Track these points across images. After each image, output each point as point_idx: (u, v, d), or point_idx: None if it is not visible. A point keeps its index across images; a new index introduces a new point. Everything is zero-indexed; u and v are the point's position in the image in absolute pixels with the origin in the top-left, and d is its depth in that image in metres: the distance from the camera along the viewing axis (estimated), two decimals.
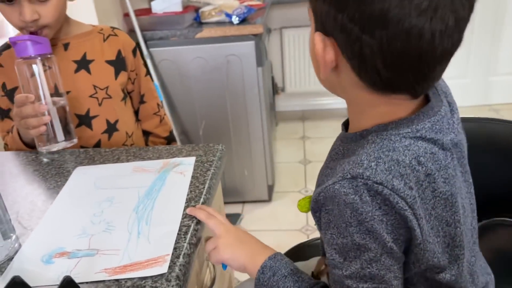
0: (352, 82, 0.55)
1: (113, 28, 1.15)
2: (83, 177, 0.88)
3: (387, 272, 0.54)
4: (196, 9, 2.03)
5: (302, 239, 2.01)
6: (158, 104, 1.24)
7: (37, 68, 0.93)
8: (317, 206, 0.58)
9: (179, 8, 1.91)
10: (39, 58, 0.93)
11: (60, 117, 0.97)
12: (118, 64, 1.12)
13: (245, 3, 2.01)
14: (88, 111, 1.08)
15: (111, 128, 1.11)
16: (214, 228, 0.71)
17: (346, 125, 0.66)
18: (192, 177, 0.84)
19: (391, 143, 0.53)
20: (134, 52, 1.16)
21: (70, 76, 1.05)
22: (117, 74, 1.11)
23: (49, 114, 0.94)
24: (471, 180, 0.63)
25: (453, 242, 0.57)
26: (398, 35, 0.47)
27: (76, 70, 1.07)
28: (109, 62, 1.11)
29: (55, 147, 0.98)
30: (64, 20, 1.05)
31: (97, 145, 1.10)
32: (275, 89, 3.03)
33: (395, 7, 0.46)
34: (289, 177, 2.50)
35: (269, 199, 2.28)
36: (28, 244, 0.70)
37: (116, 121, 1.11)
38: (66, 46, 1.06)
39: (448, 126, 0.56)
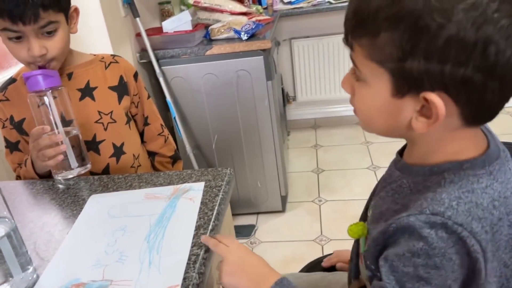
0: (446, 125, 0.55)
1: (114, 55, 1.20)
2: (97, 205, 0.92)
3: None
4: (206, 27, 2.07)
5: (317, 249, 2.03)
6: (161, 125, 1.29)
7: (48, 100, 0.97)
8: (384, 238, 0.58)
9: (189, 27, 1.95)
10: (50, 91, 0.97)
11: (74, 145, 1.01)
12: (121, 89, 1.16)
13: (253, 19, 2.04)
14: (94, 137, 1.12)
15: (118, 151, 1.15)
16: (221, 254, 0.73)
17: (400, 153, 0.67)
18: (201, 203, 0.87)
19: (469, 184, 0.54)
20: (135, 77, 1.21)
21: (75, 104, 1.09)
22: (120, 99, 1.16)
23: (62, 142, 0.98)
24: None
25: (508, 283, 0.58)
26: None
27: (81, 98, 1.11)
28: (112, 88, 1.15)
29: (70, 174, 1.02)
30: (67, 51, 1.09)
31: (106, 169, 1.14)
32: (287, 99, 3.06)
33: None
34: (302, 187, 2.51)
35: (283, 210, 2.30)
36: (45, 276, 0.73)
37: (122, 144, 1.16)
38: (70, 75, 1.11)
39: (509, 171, 0.58)
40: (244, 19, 2.01)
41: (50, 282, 0.72)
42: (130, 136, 1.20)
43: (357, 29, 0.55)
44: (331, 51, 2.92)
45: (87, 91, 1.12)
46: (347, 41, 0.58)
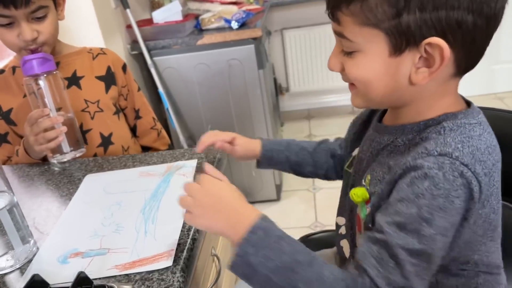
0: (441, 76, 0.58)
1: (102, 48, 1.21)
2: (93, 184, 0.94)
3: (436, 254, 0.56)
4: (196, 17, 2.08)
5: None
6: (153, 118, 1.29)
7: (44, 84, 0.99)
8: (389, 188, 0.59)
9: (179, 17, 1.97)
10: (45, 75, 0.99)
11: (69, 128, 1.03)
12: (108, 79, 1.17)
13: (244, 8, 2.06)
14: (81, 125, 1.12)
15: (106, 141, 1.16)
16: (193, 195, 0.64)
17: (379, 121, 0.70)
18: (194, 178, 0.90)
19: (466, 131, 0.57)
20: (124, 68, 1.22)
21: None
22: (107, 88, 1.17)
23: None
24: None
25: (489, 226, 0.60)
26: (501, 10, 0.55)
27: (68, 87, 1.12)
28: (99, 77, 1.16)
29: (66, 157, 1.04)
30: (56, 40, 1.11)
31: None
32: (279, 90, 3.08)
33: None
34: (296, 176, 2.53)
35: (278, 198, 2.33)
36: (45, 247, 0.76)
37: (110, 134, 1.16)
38: (56, 64, 1.11)
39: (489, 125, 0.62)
40: (234, 8, 2.03)
41: (50, 252, 0.74)
42: (119, 127, 1.20)
43: None
44: (323, 40, 2.94)
45: (73, 80, 1.13)
46: (333, 16, 0.59)
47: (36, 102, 1.01)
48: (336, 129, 3.00)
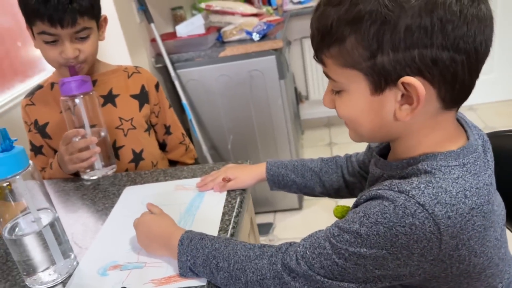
0: (428, 111, 0.58)
1: (137, 67, 1.25)
2: (132, 196, 0.98)
3: (348, 272, 0.59)
4: (218, 30, 2.12)
5: None
6: (182, 134, 1.33)
7: (81, 104, 1.03)
8: (354, 206, 0.63)
9: (202, 30, 2.01)
10: (82, 96, 1.03)
11: (102, 146, 1.07)
12: (142, 97, 1.21)
13: (264, 20, 2.09)
14: (115, 142, 1.16)
15: (137, 157, 1.19)
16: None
17: (380, 154, 0.70)
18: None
19: (441, 174, 0.57)
20: (156, 87, 1.26)
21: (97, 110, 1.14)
22: (141, 106, 1.20)
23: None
24: (504, 213, 0.65)
25: (473, 269, 0.59)
26: (481, 44, 0.55)
27: (103, 104, 1.16)
28: (134, 96, 1.20)
29: (97, 174, 1.08)
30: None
31: None
32: (299, 98, 3.09)
33: (477, 22, 0.54)
34: None
35: (300, 207, 2.33)
36: (85, 261, 0.79)
37: (142, 151, 1.20)
38: (94, 82, 1.16)
39: (483, 164, 0.61)
40: (255, 20, 2.06)
41: (90, 265, 0.77)
42: (149, 144, 1.24)
43: (324, 42, 0.59)
44: None
45: (109, 98, 1.17)
46: (318, 58, 0.62)
47: (71, 118, 1.05)
48: None
